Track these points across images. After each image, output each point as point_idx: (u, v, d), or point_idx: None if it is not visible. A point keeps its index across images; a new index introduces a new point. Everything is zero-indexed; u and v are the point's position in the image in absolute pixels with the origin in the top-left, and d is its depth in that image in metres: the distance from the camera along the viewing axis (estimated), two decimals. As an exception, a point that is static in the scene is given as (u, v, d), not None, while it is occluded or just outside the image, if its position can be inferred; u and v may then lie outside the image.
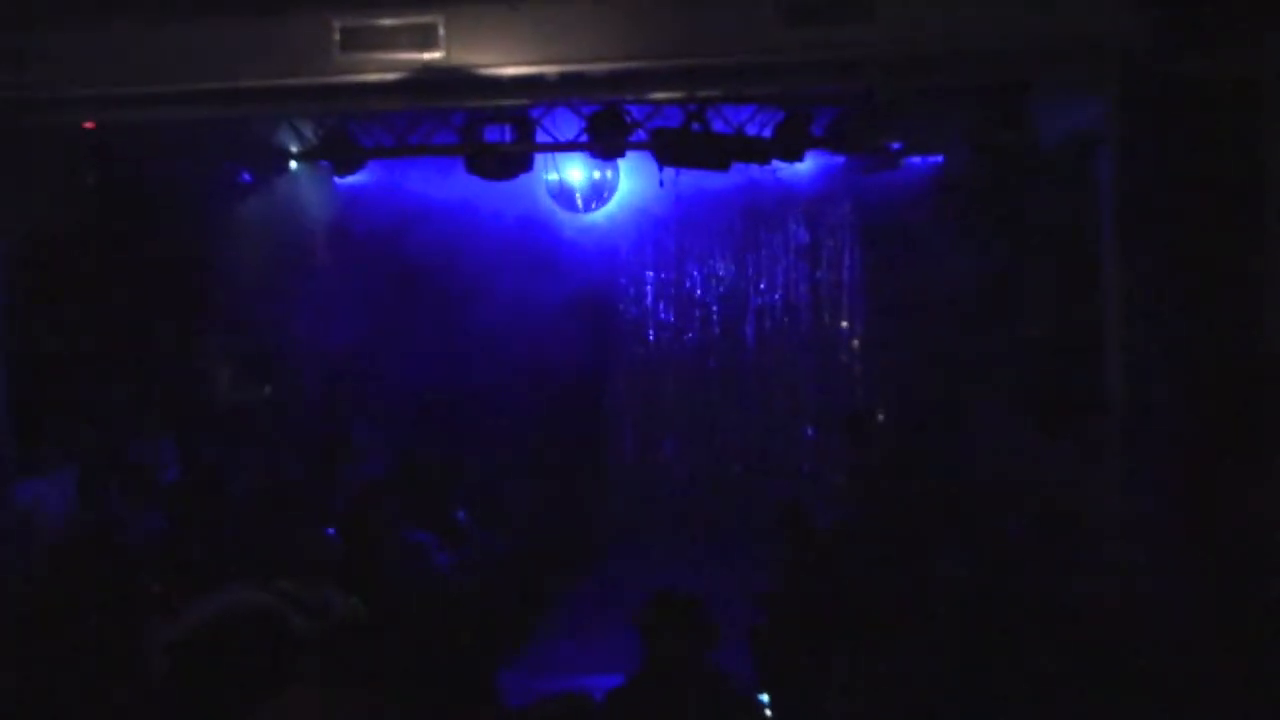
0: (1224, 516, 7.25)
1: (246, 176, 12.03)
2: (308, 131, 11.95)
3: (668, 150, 10.88)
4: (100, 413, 10.18)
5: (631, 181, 13.21)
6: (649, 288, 14.44)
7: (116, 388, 10.49)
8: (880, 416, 13.11)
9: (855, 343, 13.84)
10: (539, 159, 11.87)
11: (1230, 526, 7.20)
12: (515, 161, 11.36)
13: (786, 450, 14.01)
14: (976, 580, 7.05)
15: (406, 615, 6.79)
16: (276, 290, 12.28)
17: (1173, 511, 7.29)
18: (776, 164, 11.47)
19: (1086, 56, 7.73)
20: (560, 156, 12.56)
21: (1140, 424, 7.49)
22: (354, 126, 11.70)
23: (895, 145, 11.64)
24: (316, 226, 13.22)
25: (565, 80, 8.23)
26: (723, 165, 10.93)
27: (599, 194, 13.35)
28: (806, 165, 12.22)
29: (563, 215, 13.55)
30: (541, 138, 11.35)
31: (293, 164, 12.28)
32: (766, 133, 11.03)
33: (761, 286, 14.14)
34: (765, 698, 6.83)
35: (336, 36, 8.03)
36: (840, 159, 12.39)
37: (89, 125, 9.05)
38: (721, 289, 14.30)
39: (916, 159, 12.13)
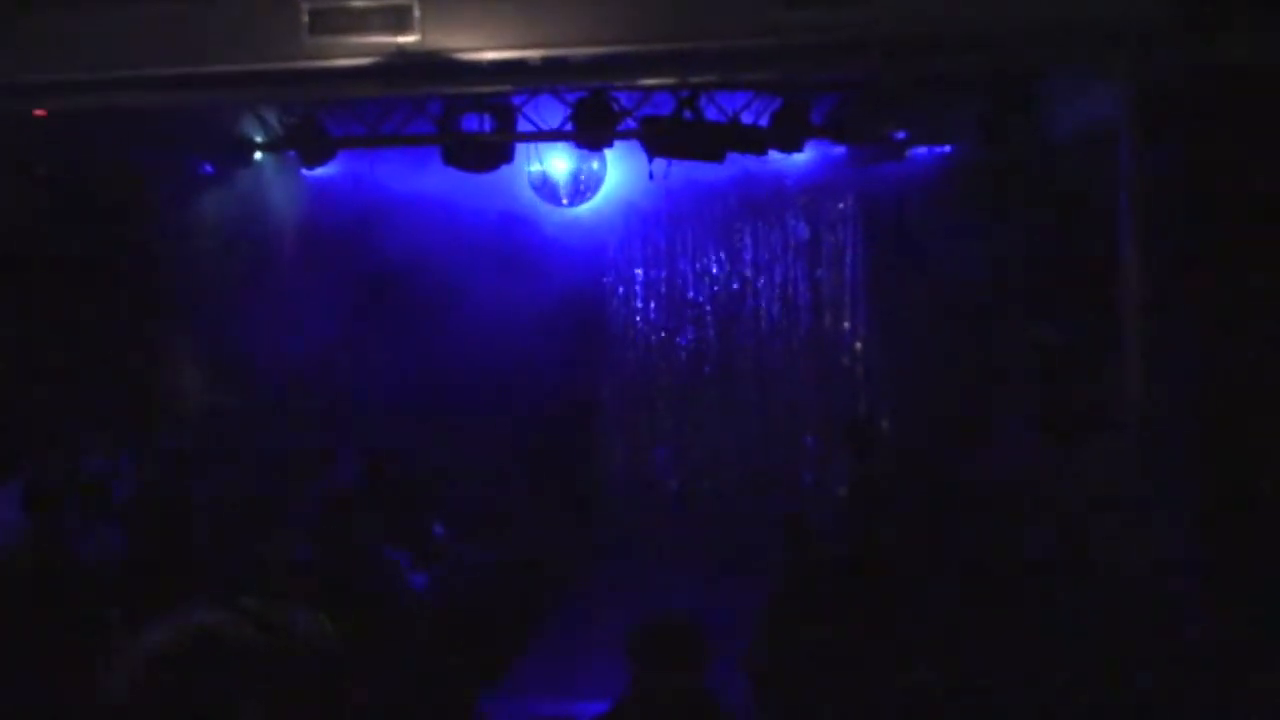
0: (1256, 535, 7.24)
1: (208, 168, 12.01)
2: (273, 120, 11.93)
3: (658, 140, 10.90)
4: (50, 421, 10.13)
5: (619, 173, 13.19)
6: (638, 287, 14.41)
7: (68, 394, 10.43)
8: (885, 425, 13.11)
9: (858, 346, 13.82)
10: (520, 150, 11.87)
11: (1263, 548, 7.19)
12: (495, 152, 11.36)
13: (785, 461, 13.97)
14: (989, 601, 7.03)
15: (378, 638, 6.75)
16: (240, 290, 12.24)
17: (1199, 529, 7.29)
18: (773, 155, 11.47)
19: (1104, 40, 7.72)
20: (543, 147, 12.56)
21: (1163, 434, 7.49)
22: (323, 115, 11.68)
23: (900, 135, 11.67)
24: (283, 222, 13.20)
25: (549, 65, 8.20)
26: (717, 156, 10.94)
27: (585, 187, 13.33)
28: (805, 156, 12.22)
29: (546, 209, 13.53)
30: (523, 127, 11.34)
31: (257, 155, 12.26)
32: (763, 122, 11.05)
33: (758, 286, 14.12)
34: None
35: (304, 18, 8.00)
36: (841, 149, 12.38)
37: (38, 113, 9.00)
38: (715, 288, 14.28)
39: (922, 150, 12.16)
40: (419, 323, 13.21)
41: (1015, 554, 8.20)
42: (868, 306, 13.81)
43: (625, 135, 11.26)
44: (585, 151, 12.53)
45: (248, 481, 11.10)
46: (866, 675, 6.49)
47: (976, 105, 10.23)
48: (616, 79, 9.39)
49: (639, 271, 14.38)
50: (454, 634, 8.83)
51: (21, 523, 8.80)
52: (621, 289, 14.37)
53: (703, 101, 10.64)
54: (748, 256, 14.21)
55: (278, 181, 12.88)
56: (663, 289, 14.36)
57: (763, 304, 14.18)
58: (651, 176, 11.65)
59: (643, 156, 11.31)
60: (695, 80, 9.74)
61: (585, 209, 13.54)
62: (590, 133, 11.22)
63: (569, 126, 11.19)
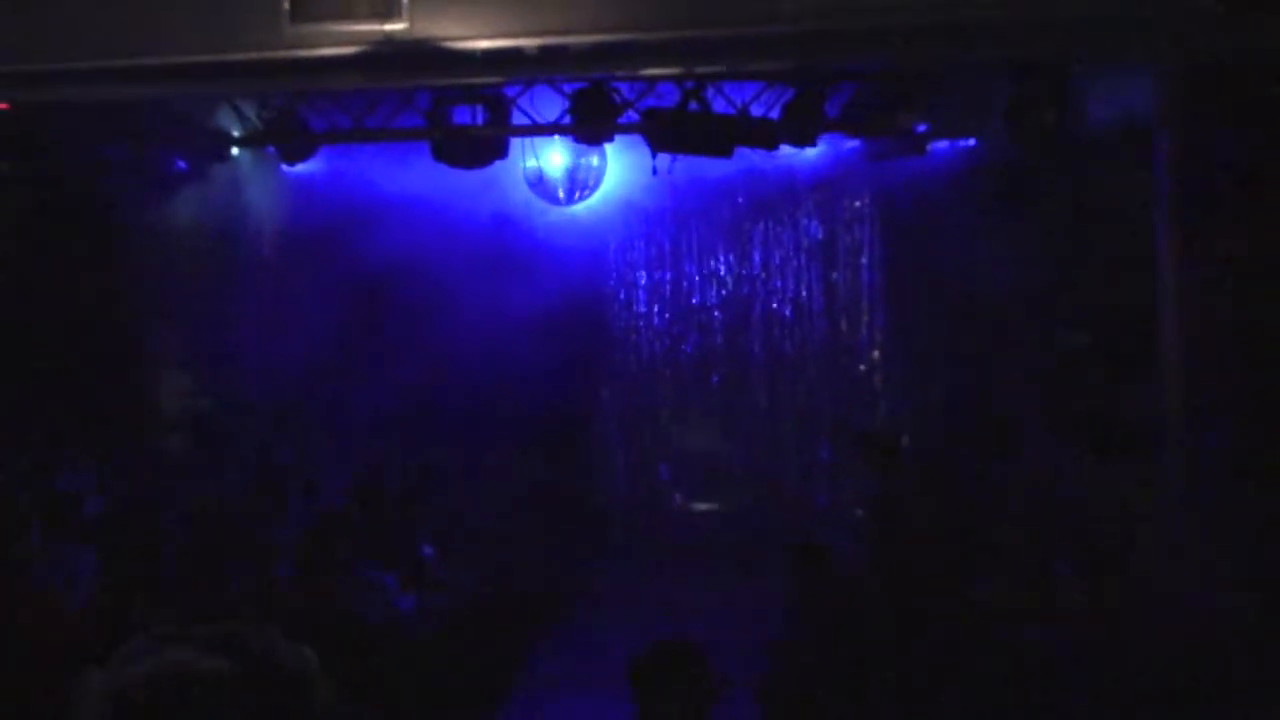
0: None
1: (182, 164, 12.00)
2: (251, 113, 11.91)
3: (662, 134, 10.86)
4: (15, 433, 10.12)
5: (620, 170, 13.20)
6: (641, 291, 14.43)
7: (34, 404, 10.43)
8: (905, 438, 13.07)
9: (876, 353, 13.82)
10: (515, 144, 11.87)
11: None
12: (488, 147, 11.34)
13: (799, 477, 14.00)
14: (1018, 626, 7.01)
15: (363, 664, 6.74)
16: (217, 294, 12.23)
17: (1239, 545, 7.27)
18: (785, 149, 11.45)
19: (1137, 26, 7.70)
20: (540, 142, 12.56)
21: (1202, 444, 7.47)
22: (304, 108, 11.66)
23: (921, 127, 11.62)
24: (261, 222, 13.21)
25: (545, 54, 8.19)
26: (725, 151, 10.91)
27: (584, 184, 13.32)
28: (819, 151, 12.21)
29: (542, 208, 13.53)
30: (518, 120, 11.32)
31: (235, 150, 12.25)
32: (774, 114, 11.02)
33: (769, 289, 14.13)
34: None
35: (285, 5, 8.00)
36: (858, 144, 12.37)
37: (3, 106, 9.00)
38: (723, 292, 14.30)
39: (944, 144, 12.11)
40: (407, 331, 13.20)
41: (1045, 576, 8.18)
42: (885, 311, 13.81)
43: (627, 129, 11.23)
44: (584, 146, 12.50)
45: (226, 498, 11.11)
46: (887, 708, 6.47)
47: (1002, 96, 10.20)
48: (618, 69, 9.37)
49: (641, 274, 14.41)
50: (444, 660, 8.82)
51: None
52: (623, 293, 14.40)
53: (710, 92, 10.62)
54: (757, 258, 14.23)
55: (256, 179, 12.89)
56: (666, 293, 14.38)
57: (773, 308, 14.19)
58: (655, 173, 11.61)
59: (645, 151, 11.26)
60: (702, 70, 9.72)
61: (584, 208, 13.54)
62: (590, 126, 11.20)
63: (567, 120, 11.17)
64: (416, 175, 12.46)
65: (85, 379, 11.02)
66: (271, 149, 12.28)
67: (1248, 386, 7.50)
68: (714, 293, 14.31)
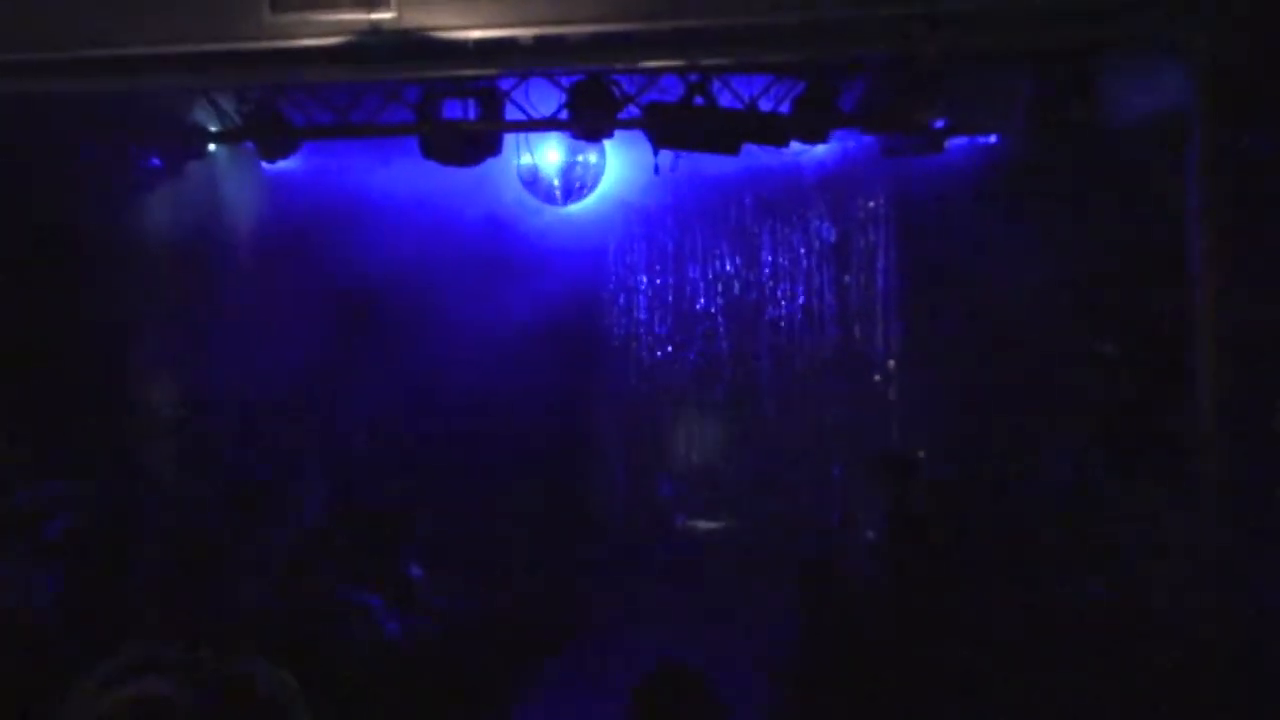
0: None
1: (155, 161, 11.98)
2: (229, 107, 11.90)
3: (665, 130, 10.88)
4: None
5: (620, 168, 13.21)
6: (641, 296, 14.42)
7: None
8: (922, 453, 13.06)
9: (891, 363, 13.81)
10: (509, 141, 11.85)
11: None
12: (480, 144, 11.34)
13: (809, 494, 13.94)
14: (1046, 654, 6.99)
15: (347, 694, 6.71)
16: (190, 300, 12.21)
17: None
18: (795, 146, 11.45)
19: (1171, 12, 7.70)
20: (535, 138, 12.56)
21: (1241, 460, 7.45)
22: (285, 102, 11.66)
23: (939, 123, 11.60)
24: (239, 222, 13.17)
25: (541, 45, 8.21)
26: (731, 148, 10.92)
27: (581, 183, 13.34)
28: (832, 147, 12.22)
29: (537, 209, 13.54)
30: (512, 115, 11.31)
31: (211, 147, 12.24)
32: (784, 109, 11.03)
33: (777, 295, 14.12)
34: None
35: (265, -8, 8.00)
36: (872, 140, 12.33)
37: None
38: (729, 298, 14.28)
39: (964, 140, 12.12)
40: (393, 338, 13.19)
41: (1072, 604, 8.16)
42: (901, 318, 13.79)
43: (627, 124, 11.24)
44: (582, 143, 12.53)
45: (199, 516, 11.08)
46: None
47: (1025, 89, 10.20)
48: (617, 61, 9.38)
49: (642, 279, 14.40)
50: (433, 688, 8.78)
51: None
52: (622, 298, 14.39)
53: (715, 86, 10.63)
54: (765, 261, 14.20)
55: (233, 177, 12.87)
56: (669, 298, 14.37)
57: (782, 315, 14.17)
58: (657, 171, 11.65)
59: (647, 148, 11.28)
60: (707, 62, 9.72)
61: (581, 208, 13.55)
62: (588, 121, 11.20)
63: (564, 114, 11.17)
64: (403, 173, 12.47)
65: (49, 389, 10.99)
66: (250, 145, 12.26)
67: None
68: (719, 298, 14.30)
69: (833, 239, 14.00)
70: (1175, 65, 8.06)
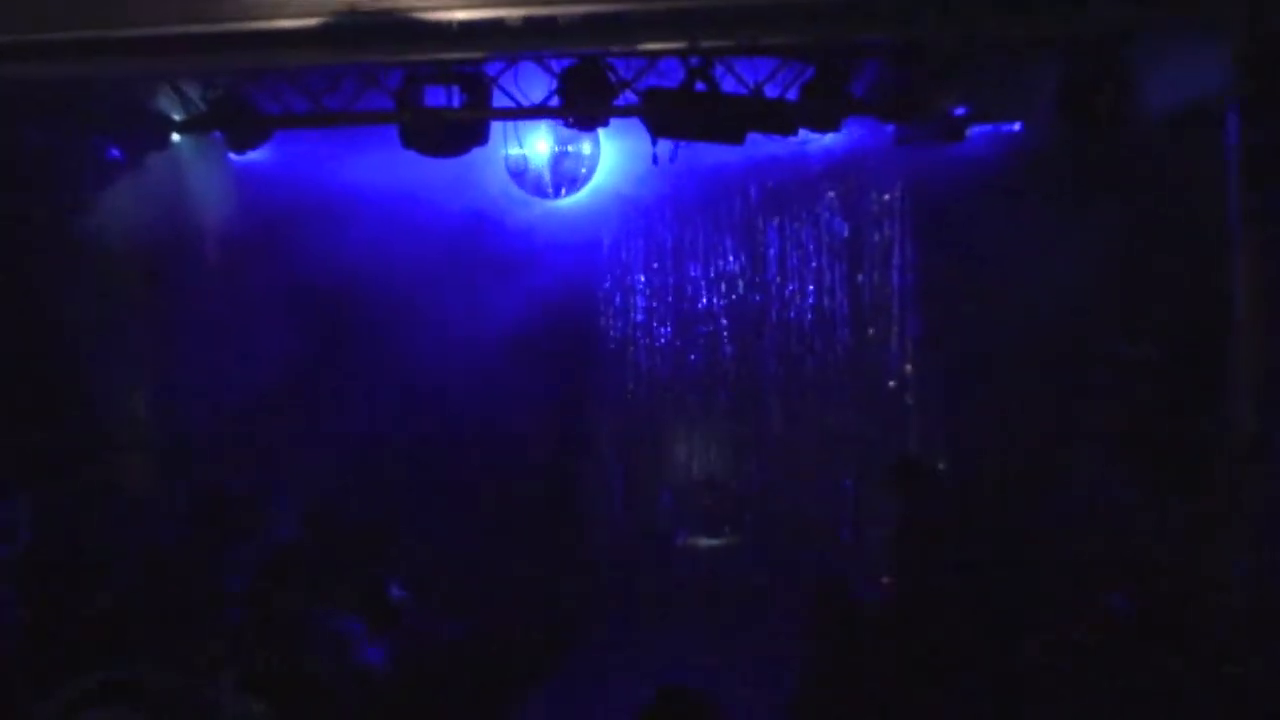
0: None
1: (114, 152, 11.99)
2: (195, 94, 11.92)
3: (664, 117, 10.89)
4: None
5: (616, 159, 13.26)
6: (639, 297, 14.47)
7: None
8: (940, 464, 13.10)
9: (908, 367, 13.85)
10: (496, 130, 11.87)
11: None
12: (465, 133, 11.36)
13: (820, 508, 13.99)
14: (1072, 672, 7.03)
15: (324, 723, 6.77)
16: (154, 302, 12.23)
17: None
18: (804, 135, 11.48)
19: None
20: (524, 127, 12.59)
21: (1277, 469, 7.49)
22: (255, 88, 11.68)
23: (959, 110, 11.65)
24: (206, 218, 13.16)
25: (530, 27, 8.24)
26: (735, 136, 10.95)
27: (573, 175, 13.38)
28: (843, 136, 12.23)
29: (526, 202, 13.57)
30: (499, 102, 11.35)
31: (175, 136, 12.25)
32: (792, 95, 11.05)
33: (785, 294, 14.15)
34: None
35: (236, -29, 8.03)
36: (887, 129, 12.35)
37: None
38: (733, 297, 14.32)
39: (986, 128, 12.15)
40: (372, 342, 13.23)
41: (1096, 621, 8.20)
42: (918, 319, 13.83)
43: (623, 112, 11.25)
44: (574, 132, 12.51)
45: (164, 531, 11.11)
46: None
47: (1052, 75, 10.23)
48: (613, 43, 9.42)
49: (639, 278, 14.45)
50: (414, 717, 8.83)
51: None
52: (618, 298, 14.44)
53: (718, 70, 10.65)
54: (772, 258, 14.24)
55: (199, 169, 12.84)
56: (669, 298, 14.43)
57: (790, 316, 14.21)
58: (655, 162, 11.63)
59: (645, 138, 11.29)
60: (708, 44, 9.75)
61: (574, 201, 13.59)
62: (581, 109, 11.22)
63: (555, 101, 11.21)
64: (383, 165, 12.47)
65: (3, 400, 11.01)
66: (217, 135, 12.26)
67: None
68: (722, 298, 14.34)
69: (844, 234, 14.05)
70: (1211, 49, 8.09)
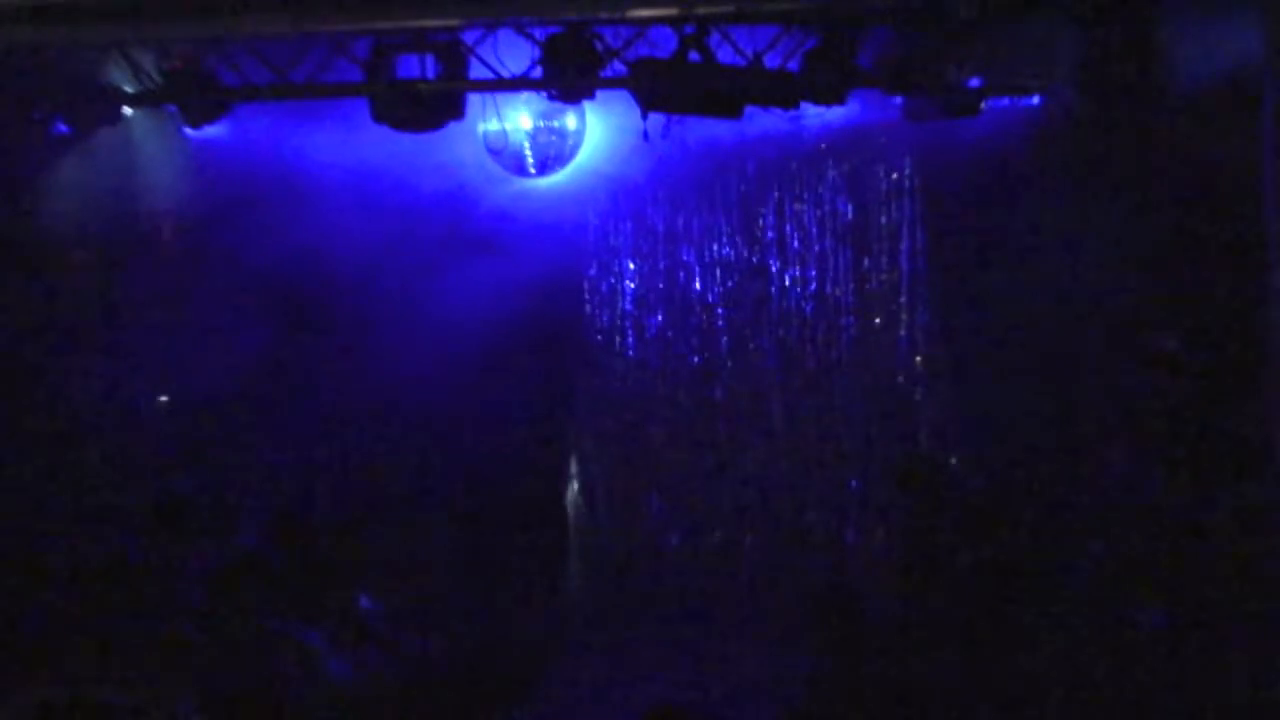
0: None
1: (62, 127, 11.98)
2: (148, 64, 11.89)
3: (655, 89, 10.89)
4: None
5: (603, 134, 13.24)
6: (628, 283, 14.44)
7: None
8: (953, 461, 13.10)
9: (918, 359, 13.83)
10: (473, 103, 11.86)
11: None
12: (440, 106, 11.36)
13: (823, 510, 13.98)
14: (1097, 690, 7.03)
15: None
16: (105, 289, 12.20)
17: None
18: (807, 109, 11.48)
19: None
20: (504, 100, 12.54)
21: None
22: (214, 58, 11.65)
23: (973, 82, 11.66)
24: (161, 198, 13.15)
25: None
26: (732, 111, 10.94)
27: (557, 152, 13.34)
28: (849, 110, 12.20)
29: (506, 181, 13.54)
30: (477, 73, 11.33)
31: (127, 110, 12.22)
32: (793, 65, 11.04)
33: (786, 281, 14.14)
34: None
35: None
36: (896, 101, 12.38)
37: None
38: (729, 284, 14.30)
39: (1003, 101, 12.14)
40: (340, 332, 13.21)
41: (1124, 628, 8.19)
42: (929, 308, 13.81)
43: (611, 84, 11.26)
44: (558, 105, 12.51)
45: (116, 534, 11.09)
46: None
47: (1074, 44, 10.23)
48: (599, 9, 9.42)
49: (628, 263, 14.40)
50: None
51: None
52: (606, 285, 14.42)
53: (713, 39, 10.65)
54: (771, 242, 14.22)
55: (153, 145, 12.83)
56: (660, 285, 14.39)
57: (791, 305, 14.19)
58: (646, 138, 11.61)
59: (634, 112, 11.28)
60: (703, 10, 9.75)
61: (557, 180, 13.56)
62: (565, 80, 11.23)
63: (537, 72, 11.19)
64: (351, 141, 12.48)
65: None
66: (173, 108, 12.23)
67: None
68: (718, 286, 14.31)
69: (849, 216, 14.01)
70: (1247, 15, 8.09)
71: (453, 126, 11.61)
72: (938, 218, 13.65)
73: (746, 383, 14.20)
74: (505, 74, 11.39)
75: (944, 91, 11.60)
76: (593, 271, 14.38)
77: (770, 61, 10.98)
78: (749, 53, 10.93)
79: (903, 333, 13.85)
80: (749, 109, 10.99)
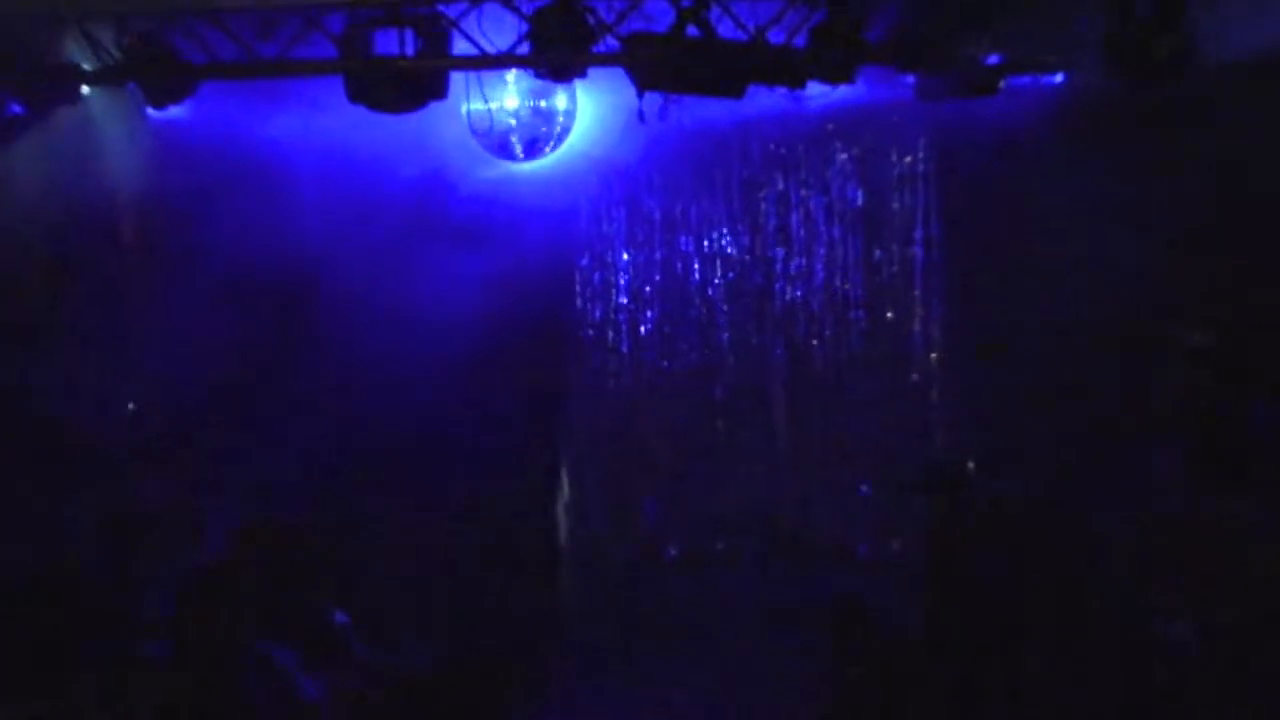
0: None
1: (15, 108, 11.97)
2: (107, 39, 11.89)
3: (652, 67, 10.89)
4: None
5: (595, 115, 13.28)
6: (621, 275, 14.45)
7: None
8: (971, 466, 13.10)
9: (934, 356, 13.87)
10: (456, 81, 11.86)
11: None
12: (421, 85, 11.36)
13: (832, 518, 14.01)
14: (1127, 709, 7.05)
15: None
16: (59, 281, 12.20)
17: None
18: (814, 88, 11.48)
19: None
20: (488, 78, 12.55)
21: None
22: (177, 33, 11.65)
23: (992, 59, 11.66)
24: (120, 184, 13.14)
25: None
26: (734, 90, 10.95)
27: (546, 134, 13.36)
28: (858, 89, 12.21)
29: (491, 165, 13.58)
30: (461, 49, 11.34)
31: (85, 89, 12.22)
32: (799, 41, 11.05)
33: (791, 272, 14.16)
34: None
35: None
36: (909, 80, 12.38)
37: None
38: (730, 275, 14.32)
39: (1024, 79, 12.13)
40: (312, 329, 13.20)
41: (1155, 642, 8.20)
42: (946, 302, 13.83)
43: (604, 60, 11.26)
44: (548, 84, 12.55)
45: (72, 546, 11.08)
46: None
47: (1100, 16, 10.23)
48: (592, -20, 9.39)
49: (623, 254, 14.43)
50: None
51: None
52: (598, 276, 14.44)
53: (714, 13, 10.65)
54: (774, 230, 14.23)
55: (112, 126, 12.83)
56: (656, 277, 14.41)
57: (796, 299, 14.21)
58: (642, 119, 11.59)
59: (629, 91, 11.28)
60: (703, -18, 9.75)
61: (547, 164, 13.60)
62: (555, 57, 11.23)
63: (525, 48, 11.20)
64: (325, 123, 12.49)
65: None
66: (133, 87, 12.23)
67: None
68: (718, 277, 14.33)
69: (859, 203, 14.04)
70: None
71: (434, 107, 11.58)
72: (953, 204, 13.69)
73: (749, 381, 14.24)
74: (490, 50, 11.38)
75: (960, 69, 11.57)
76: (584, 262, 14.40)
77: (774, 37, 10.99)
78: (751, 27, 10.94)
79: (916, 327, 13.90)
80: (752, 88, 10.99)
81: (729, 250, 14.29)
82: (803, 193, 14.11)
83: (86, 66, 11.98)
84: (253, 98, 12.71)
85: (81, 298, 12.32)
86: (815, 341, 14.12)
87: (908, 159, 13.83)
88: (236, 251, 12.87)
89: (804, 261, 14.12)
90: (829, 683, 8.59)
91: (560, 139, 13.39)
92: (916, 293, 13.87)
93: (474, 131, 13.19)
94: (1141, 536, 9.89)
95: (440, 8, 10.89)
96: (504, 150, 13.37)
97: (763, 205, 14.23)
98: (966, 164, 13.18)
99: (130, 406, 12.85)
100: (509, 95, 13.10)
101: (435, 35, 11.08)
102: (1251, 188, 9.53)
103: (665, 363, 14.37)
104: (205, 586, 9.71)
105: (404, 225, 13.27)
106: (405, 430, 13.13)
